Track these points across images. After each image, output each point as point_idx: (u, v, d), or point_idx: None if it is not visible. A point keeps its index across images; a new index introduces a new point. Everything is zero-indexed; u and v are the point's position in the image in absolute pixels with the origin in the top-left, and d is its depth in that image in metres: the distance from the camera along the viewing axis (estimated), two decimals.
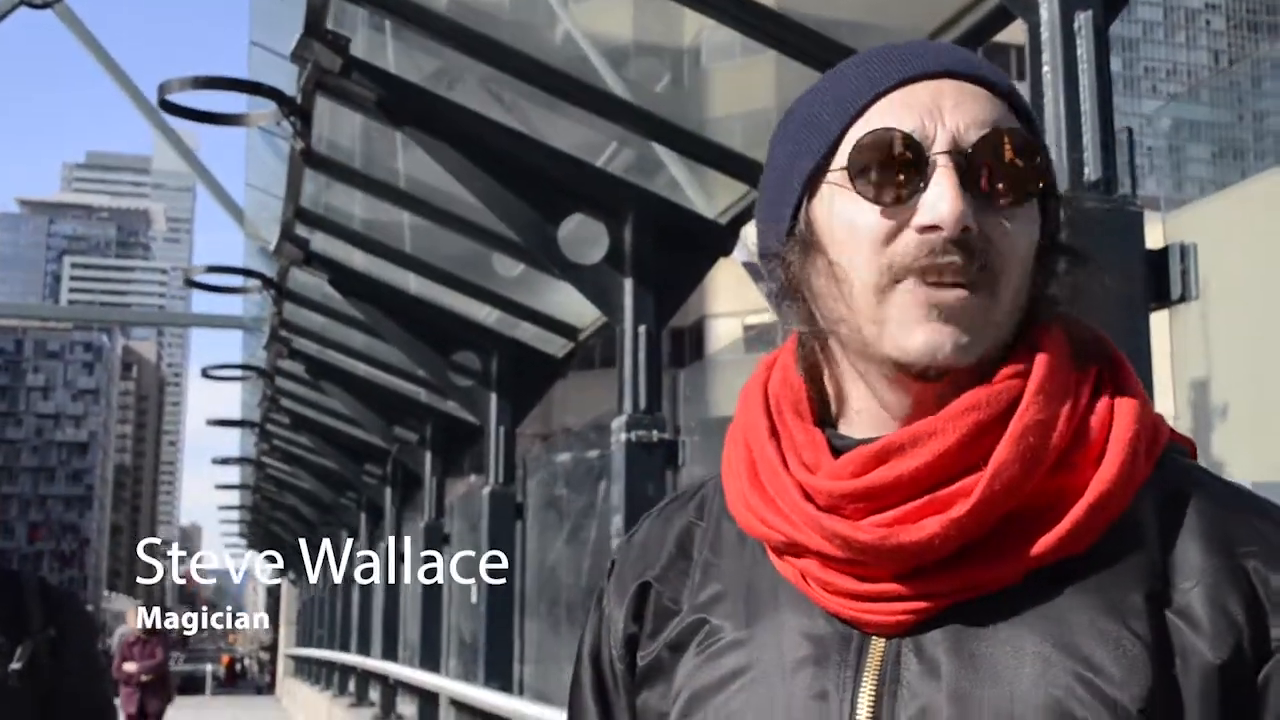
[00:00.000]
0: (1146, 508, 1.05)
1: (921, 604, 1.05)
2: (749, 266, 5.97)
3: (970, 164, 1.04)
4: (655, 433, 5.02)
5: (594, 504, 9.12)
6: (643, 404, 5.13)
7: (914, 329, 1.04)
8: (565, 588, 9.10)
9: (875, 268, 1.05)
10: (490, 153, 5.39)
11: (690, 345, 32.53)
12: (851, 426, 1.15)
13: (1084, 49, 2.54)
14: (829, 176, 1.09)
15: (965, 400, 1.05)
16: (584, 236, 5.55)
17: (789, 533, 1.11)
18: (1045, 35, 2.58)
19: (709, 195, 5.62)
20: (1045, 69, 2.58)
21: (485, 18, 5.59)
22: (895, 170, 1.05)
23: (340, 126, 6.74)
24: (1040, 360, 1.06)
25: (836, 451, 1.12)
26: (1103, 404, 1.07)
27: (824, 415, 1.17)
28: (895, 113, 1.07)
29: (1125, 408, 1.07)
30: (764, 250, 1.18)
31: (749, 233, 5.67)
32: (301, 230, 8.06)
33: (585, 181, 5.54)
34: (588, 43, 5.81)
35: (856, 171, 1.06)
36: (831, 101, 1.12)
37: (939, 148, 1.05)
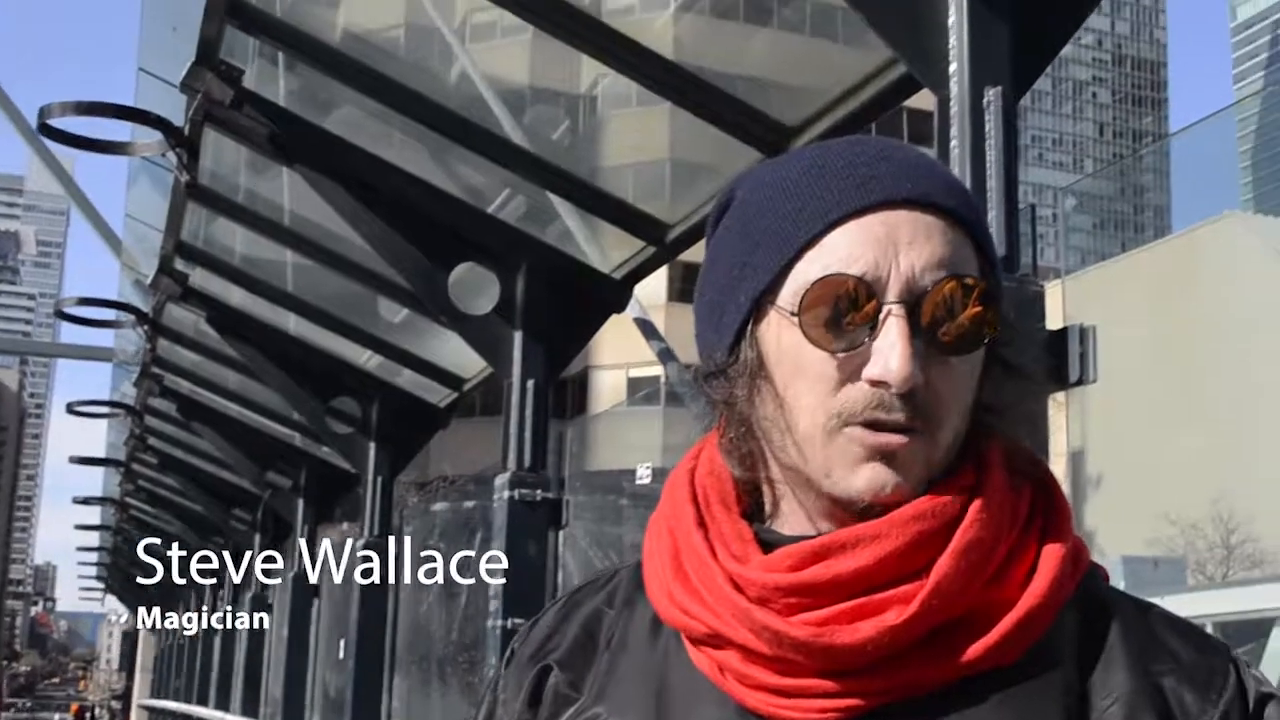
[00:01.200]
0: (1069, 627, 1.08)
1: (846, 703, 1.04)
2: (640, 323, 5.89)
3: (922, 312, 1.03)
4: (539, 491, 4.90)
5: (470, 557, 8.95)
6: (527, 461, 5.01)
7: (857, 470, 1.05)
8: (437, 643, 8.91)
9: (824, 412, 1.04)
10: (382, 195, 5.26)
11: (574, 397, 32.46)
12: (782, 524, 1.13)
13: (992, 124, 2.52)
14: (776, 307, 1.07)
15: (911, 509, 1.05)
16: (474, 285, 5.44)
17: (712, 623, 1.08)
18: (954, 109, 2.54)
19: (601, 248, 5.56)
20: (953, 143, 2.55)
21: (381, 53, 5.49)
22: (846, 318, 1.03)
23: (225, 159, 6.57)
24: (984, 480, 1.08)
25: (764, 545, 1.10)
26: (1036, 524, 1.10)
27: (751, 509, 1.15)
28: (849, 249, 1.05)
29: (1056, 530, 1.10)
30: (705, 358, 1.15)
31: (647, 285, 5.61)
32: (180, 264, 7.83)
33: (478, 229, 5.43)
34: (484, 84, 5.73)
35: (807, 316, 1.04)
36: (782, 220, 1.08)
37: (892, 295, 1.03)
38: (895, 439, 1.03)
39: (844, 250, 1.05)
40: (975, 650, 1.04)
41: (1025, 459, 1.13)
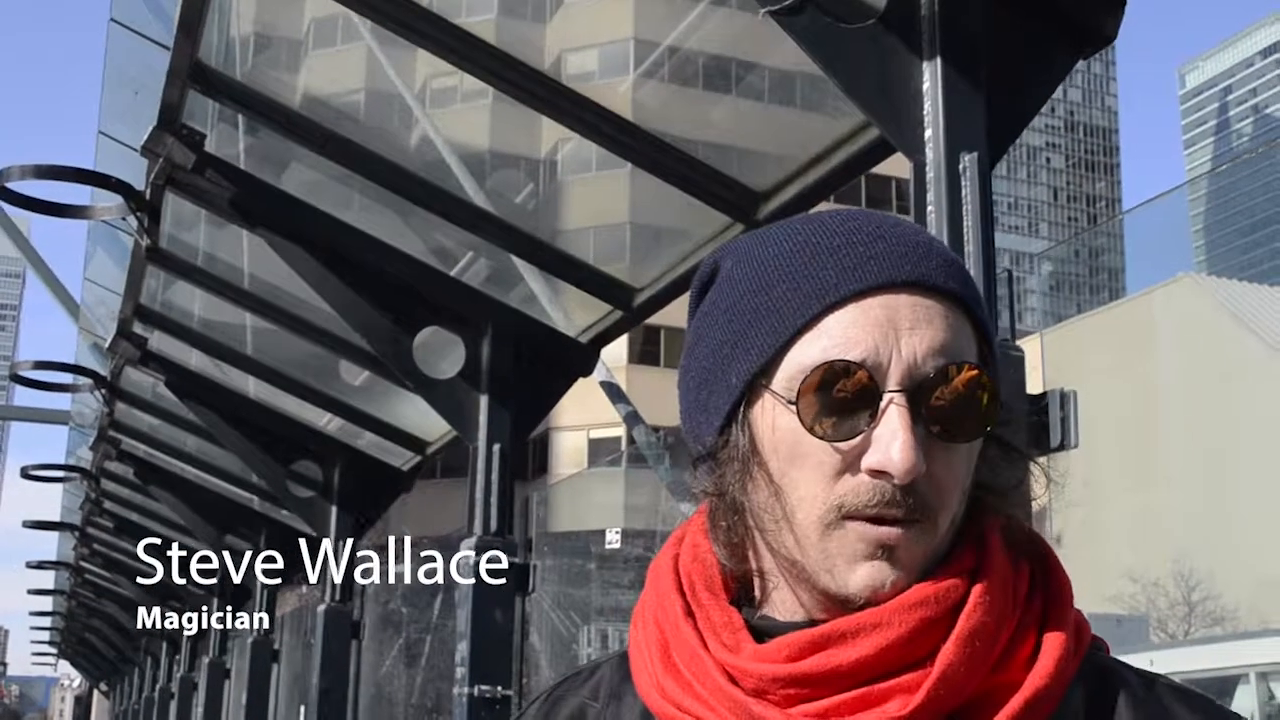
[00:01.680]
0: (1075, 704, 1.05)
1: None
2: (606, 386, 5.86)
3: (923, 400, 1.00)
4: (506, 556, 4.84)
5: (431, 621, 8.84)
6: (493, 526, 4.95)
7: (855, 567, 1.01)
8: (399, 706, 8.79)
9: (825, 504, 1.01)
10: (345, 258, 5.22)
11: (535, 459, 32.34)
12: (773, 610, 1.09)
13: (968, 190, 2.51)
14: (771, 390, 1.03)
15: (913, 594, 1.02)
16: (438, 349, 5.39)
17: (707, 717, 1.03)
18: (930, 175, 2.54)
19: (566, 311, 5.53)
20: (929, 209, 2.54)
21: (342, 117, 5.47)
22: (846, 406, 0.99)
23: (184, 222, 6.52)
24: (985, 562, 1.05)
25: (756, 633, 1.06)
26: (1037, 603, 1.07)
27: (739, 595, 1.11)
28: (848, 333, 1.01)
29: (1056, 606, 1.08)
30: (692, 440, 1.11)
31: (608, 348, 5.58)
32: (139, 328, 7.75)
33: (443, 292, 5.40)
34: (446, 148, 5.72)
35: (804, 402, 1.00)
36: (776, 300, 1.04)
37: (893, 383, 1.00)
38: (894, 531, 1.00)
39: (843, 334, 1.01)
40: None
41: (1023, 535, 1.10)
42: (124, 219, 5.93)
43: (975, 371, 1.02)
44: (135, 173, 5.70)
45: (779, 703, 1.01)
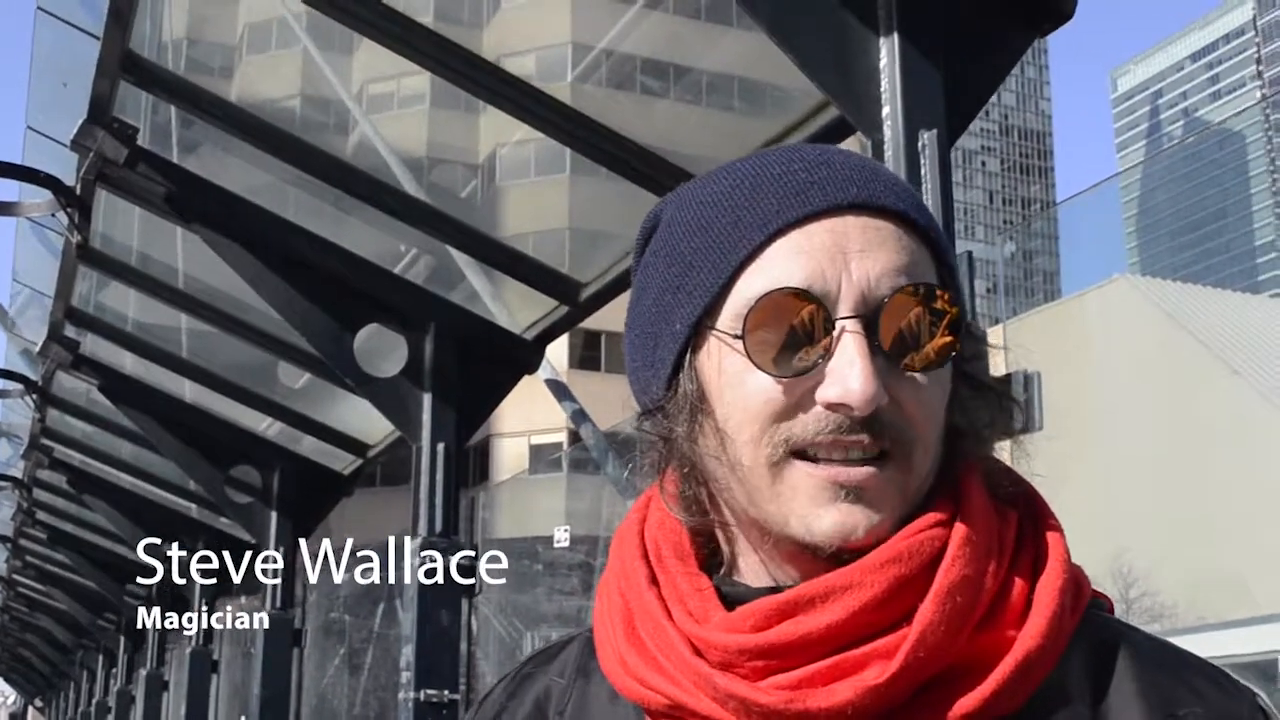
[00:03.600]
0: (1075, 666, 0.96)
1: None
2: (552, 384, 5.78)
3: (881, 325, 0.91)
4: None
5: (373, 629, 8.73)
6: (439, 527, 4.86)
7: (822, 511, 0.93)
8: (341, 716, 8.67)
9: (770, 442, 0.93)
10: (284, 255, 5.11)
11: (476, 465, 32.21)
12: (744, 574, 1.01)
13: (927, 168, 2.46)
14: (716, 330, 0.95)
15: (885, 551, 0.93)
16: (380, 348, 5.30)
17: (673, 694, 0.96)
18: (889, 153, 2.49)
19: (509, 309, 5.45)
20: None
21: (280, 119, 5.36)
22: (796, 339, 0.91)
23: (116, 220, 6.38)
24: (964, 510, 0.97)
25: (726, 600, 0.98)
26: (1026, 554, 0.98)
27: (709, 560, 1.03)
28: (793, 260, 0.93)
29: (1050, 559, 0.98)
30: (640, 396, 1.04)
31: (549, 351, 5.51)
32: (71, 331, 7.59)
33: (384, 290, 5.30)
34: (386, 149, 5.63)
35: (751, 339, 0.92)
36: (717, 236, 0.97)
37: (845, 309, 0.92)
38: (861, 471, 0.93)
39: (788, 263, 0.94)
40: (971, 702, 0.92)
41: (1007, 480, 1.02)
42: (53, 215, 5.79)
43: (936, 292, 0.95)
44: (65, 168, 5.56)
45: (748, 675, 0.93)
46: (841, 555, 0.94)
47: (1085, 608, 1.00)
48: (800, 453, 0.94)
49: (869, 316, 0.92)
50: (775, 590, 0.97)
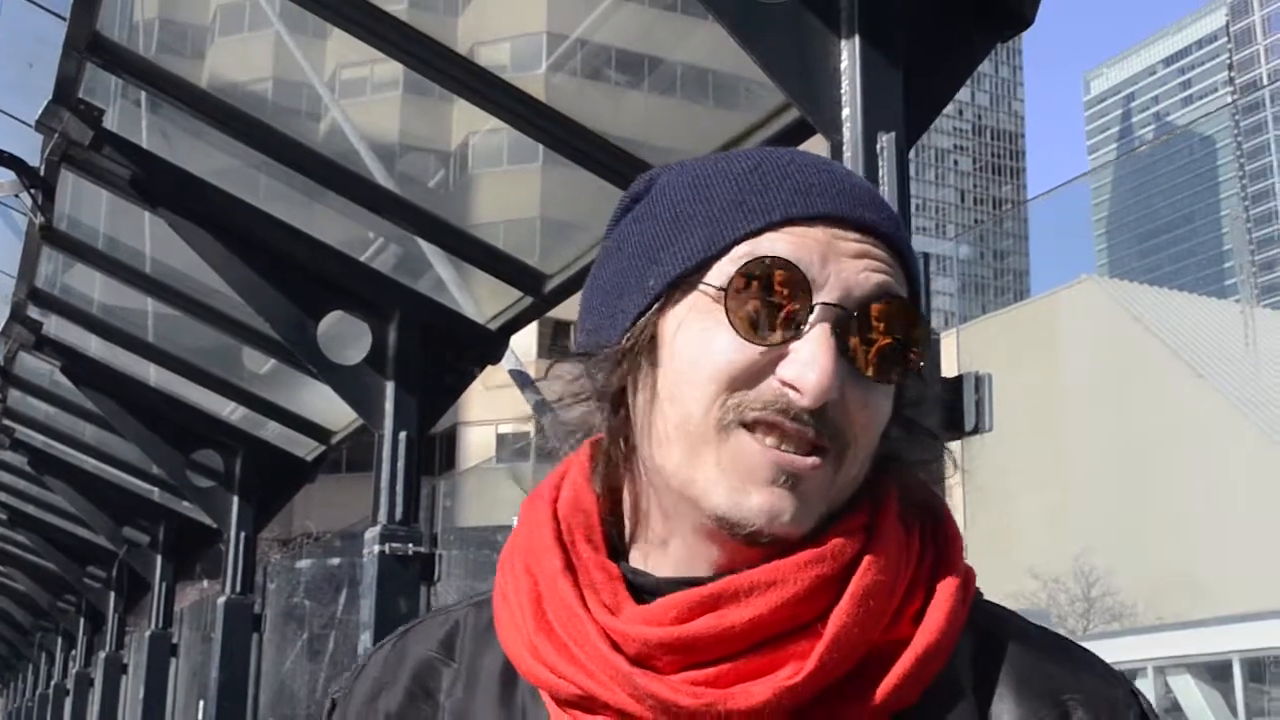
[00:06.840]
0: (964, 655, 1.02)
1: None
2: (516, 374, 5.78)
3: (850, 327, 0.95)
4: (411, 545, 4.75)
5: (335, 615, 8.71)
6: (399, 514, 4.85)
7: (754, 489, 0.95)
8: (301, 703, 8.65)
9: (721, 405, 0.94)
10: (249, 241, 5.09)
11: (442, 454, 32.15)
12: (651, 561, 1.02)
13: (886, 170, 2.47)
14: (700, 288, 0.97)
15: (813, 551, 0.97)
16: (344, 335, 5.28)
17: (584, 684, 0.96)
18: (848, 154, 2.50)
19: (476, 298, 5.45)
20: None
21: (250, 103, 5.33)
22: (772, 311, 0.94)
23: (83, 203, 6.34)
24: (881, 517, 1.01)
25: (634, 589, 0.99)
26: (928, 559, 1.03)
27: (618, 542, 1.04)
28: (788, 243, 0.97)
29: (947, 559, 1.04)
30: (586, 340, 1.04)
31: (517, 341, 5.51)
32: (34, 312, 7.54)
33: (350, 277, 5.28)
34: (356, 136, 5.61)
35: (732, 298, 0.95)
36: (720, 208, 1.00)
37: (826, 297, 0.95)
38: (805, 461, 0.95)
39: (783, 244, 0.97)
40: (878, 695, 0.96)
41: (920, 494, 1.06)
42: (17, 196, 5.76)
43: (910, 309, 0.99)
44: (30, 149, 5.53)
45: (663, 668, 0.95)
46: (757, 539, 0.96)
47: (972, 600, 1.04)
48: (748, 426, 0.96)
49: (846, 313, 0.96)
50: (681, 581, 0.98)
